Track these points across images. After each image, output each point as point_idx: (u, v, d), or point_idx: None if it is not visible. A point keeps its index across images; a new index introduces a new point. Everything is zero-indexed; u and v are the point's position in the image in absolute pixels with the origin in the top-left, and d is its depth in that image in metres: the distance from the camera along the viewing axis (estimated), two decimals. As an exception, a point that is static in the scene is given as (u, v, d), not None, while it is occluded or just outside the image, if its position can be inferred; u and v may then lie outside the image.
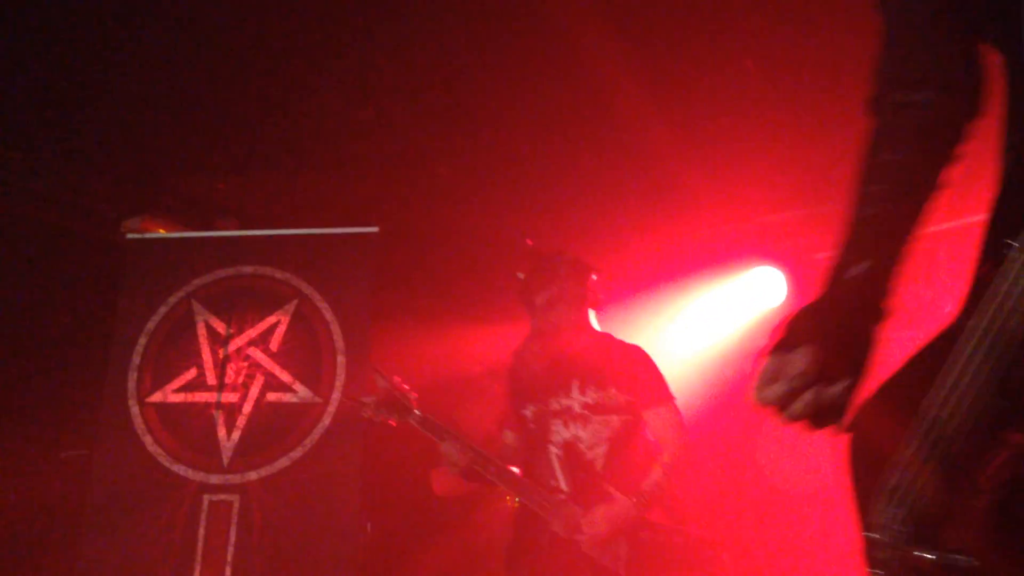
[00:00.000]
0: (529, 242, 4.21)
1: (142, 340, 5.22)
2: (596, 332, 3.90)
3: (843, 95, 4.53)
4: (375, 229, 5.24)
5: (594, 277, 3.93)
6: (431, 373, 5.12)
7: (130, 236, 5.39)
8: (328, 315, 5.26)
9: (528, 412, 3.79)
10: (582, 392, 3.73)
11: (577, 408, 3.71)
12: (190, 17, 4.14)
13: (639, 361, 3.82)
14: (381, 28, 4.27)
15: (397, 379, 3.85)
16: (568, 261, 3.92)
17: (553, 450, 3.67)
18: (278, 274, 5.38)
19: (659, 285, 5.68)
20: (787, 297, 5.58)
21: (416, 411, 3.80)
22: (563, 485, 3.61)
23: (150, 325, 5.32)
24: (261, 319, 5.39)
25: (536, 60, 4.39)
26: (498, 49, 4.37)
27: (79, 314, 5.49)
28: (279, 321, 5.38)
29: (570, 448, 3.65)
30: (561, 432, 3.68)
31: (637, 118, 4.72)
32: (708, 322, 5.74)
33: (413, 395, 3.83)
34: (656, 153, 4.95)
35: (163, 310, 5.36)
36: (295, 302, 5.37)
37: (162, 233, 5.65)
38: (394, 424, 3.87)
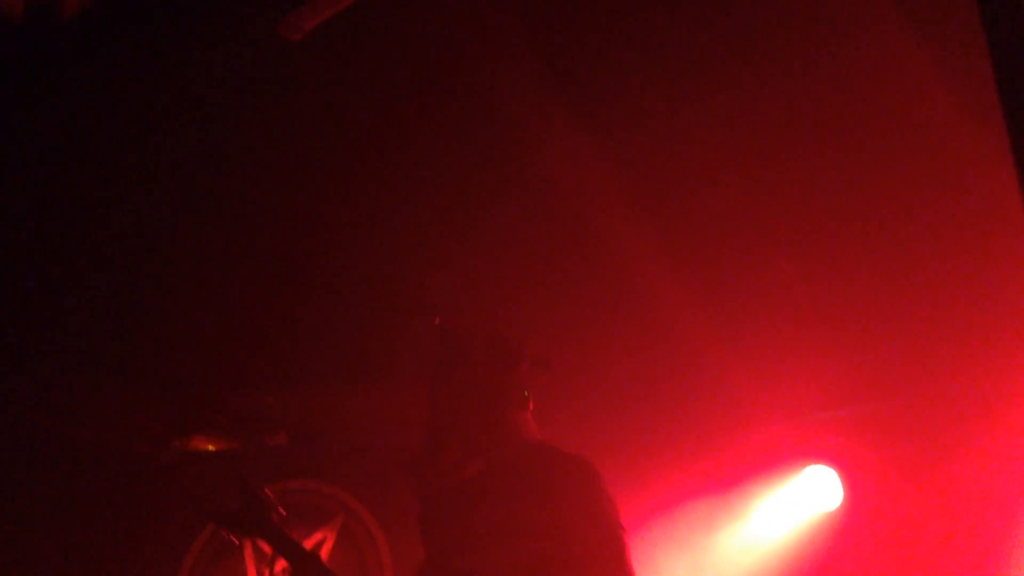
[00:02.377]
0: (437, 321, 3.30)
1: (188, 560, 5.17)
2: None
3: (891, 292, 4.55)
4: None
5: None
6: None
7: (178, 453, 5.42)
8: (375, 530, 5.19)
9: None
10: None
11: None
12: (233, 236, 4.25)
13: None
14: (434, 239, 4.32)
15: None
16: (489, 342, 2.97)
17: None
18: (324, 489, 5.35)
19: (708, 492, 5.55)
20: (843, 498, 5.43)
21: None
22: None
23: (196, 544, 5.28)
24: (308, 536, 5.33)
25: (572, 260, 4.43)
26: (545, 257, 4.41)
27: (126, 533, 5.46)
28: (325, 538, 5.31)
29: None
30: None
31: (679, 321, 4.74)
32: (762, 528, 5.57)
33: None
34: (700, 356, 4.94)
35: (210, 528, 5.33)
36: (341, 518, 5.32)
37: (210, 449, 5.68)
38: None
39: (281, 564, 5.21)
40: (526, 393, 2.93)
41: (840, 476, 5.44)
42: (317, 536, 5.33)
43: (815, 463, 5.47)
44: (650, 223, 4.13)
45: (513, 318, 4.49)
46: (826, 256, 4.39)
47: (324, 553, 5.23)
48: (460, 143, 3.59)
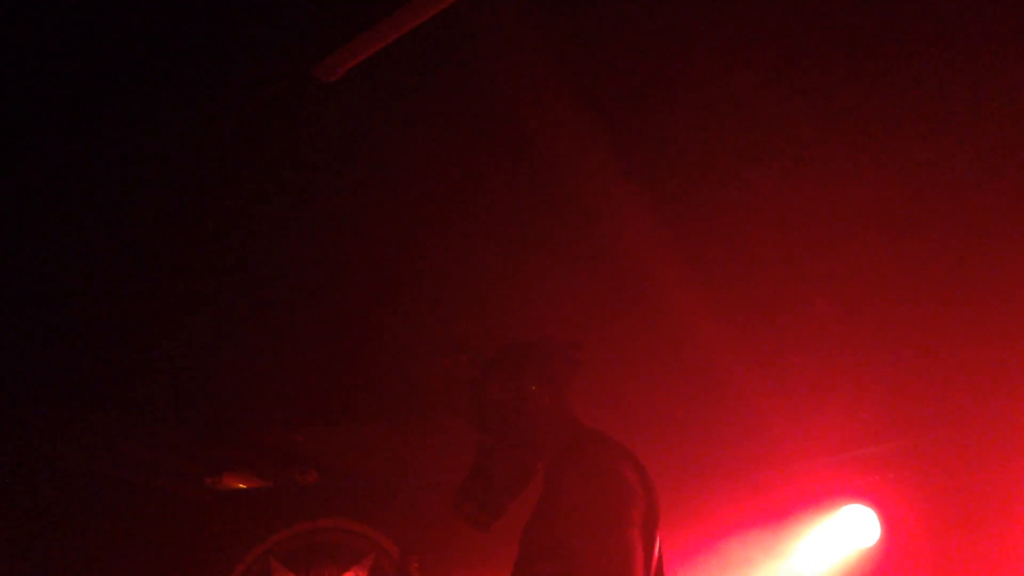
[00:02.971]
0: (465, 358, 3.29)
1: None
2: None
3: (929, 329, 4.51)
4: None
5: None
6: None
7: (210, 491, 5.43)
8: (409, 568, 5.17)
9: None
10: None
11: None
12: (267, 275, 4.26)
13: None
14: (470, 278, 4.32)
15: None
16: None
17: None
18: (355, 527, 5.33)
19: (746, 530, 5.50)
20: (880, 535, 5.37)
21: None
22: None
23: (229, 582, 5.27)
24: (339, 574, 5.31)
25: (608, 296, 4.42)
26: (588, 297, 4.39)
27: (158, 572, 5.46)
28: (357, 576, 5.29)
29: None
30: None
31: (718, 361, 4.71)
32: (800, 566, 5.51)
33: None
34: (738, 395, 4.91)
35: (240, 568, 5.32)
36: (373, 556, 5.29)
37: (243, 487, 5.67)
38: None
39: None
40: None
41: (877, 514, 5.38)
42: (348, 575, 5.31)
43: (852, 501, 5.42)
44: (690, 264, 4.12)
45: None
46: (862, 293, 4.36)
47: (356, 592, 5.21)
48: (496, 184, 3.58)
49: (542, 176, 3.57)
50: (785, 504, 5.47)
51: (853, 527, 5.45)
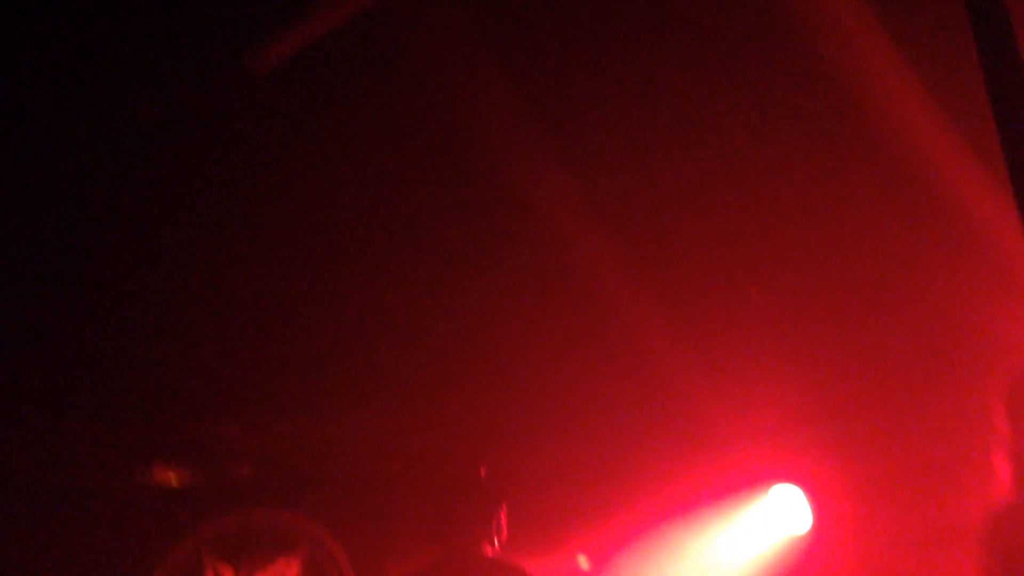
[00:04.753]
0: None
1: (150, 593, 5.07)
2: None
3: (858, 316, 4.58)
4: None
5: None
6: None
7: (139, 485, 5.33)
8: (340, 561, 5.14)
9: None
10: None
11: None
12: (193, 263, 4.20)
13: None
14: (386, 269, 4.30)
15: None
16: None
17: None
18: (288, 519, 5.29)
19: (677, 514, 5.55)
20: (810, 518, 5.46)
21: None
22: None
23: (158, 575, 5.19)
24: (271, 565, 5.26)
25: (539, 282, 4.42)
26: (505, 274, 4.40)
27: (85, 567, 5.35)
28: (289, 567, 5.25)
29: None
30: None
31: (649, 347, 4.74)
32: (729, 549, 5.58)
33: None
34: (670, 381, 4.94)
35: (171, 559, 5.24)
36: (305, 546, 5.25)
37: (172, 478, 5.58)
38: None
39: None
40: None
41: (808, 497, 5.46)
42: (280, 565, 5.26)
43: (783, 484, 5.50)
44: (622, 248, 4.13)
45: (488, 337, 4.51)
46: (796, 278, 4.42)
47: (288, 583, 5.16)
48: (430, 182, 3.56)
49: (474, 169, 3.56)
50: (715, 487, 5.53)
51: (784, 509, 5.53)
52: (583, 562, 5.30)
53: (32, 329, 4.49)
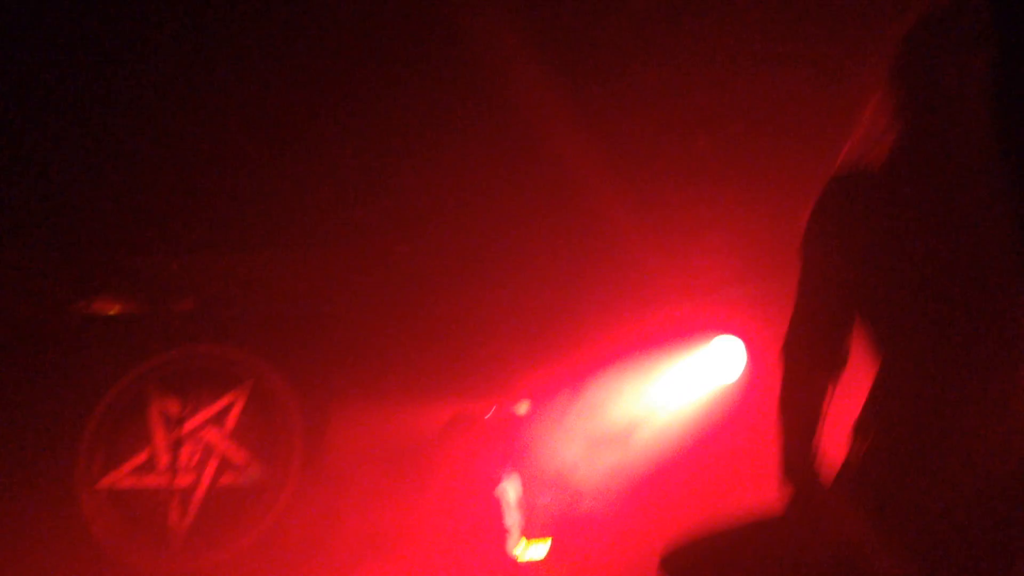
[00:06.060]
0: None
1: (91, 424, 5.11)
2: None
3: (801, 170, 4.58)
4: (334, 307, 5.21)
5: None
6: (393, 446, 5.05)
7: (80, 316, 5.31)
8: (286, 394, 5.19)
9: None
10: None
11: None
12: (142, 94, 4.11)
13: None
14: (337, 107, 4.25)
15: None
16: None
17: None
18: (233, 354, 5.31)
19: (621, 361, 5.65)
20: (745, 368, 5.61)
21: None
22: None
23: (100, 408, 5.22)
24: (217, 399, 5.31)
25: (488, 132, 4.39)
26: (452, 119, 4.36)
27: (25, 398, 5.36)
28: (234, 401, 5.29)
29: None
30: None
31: (593, 198, 4.73)
32: (671, 394, 5.73)
33: None
34: (613, 234, 4.96)
35: (114, 392, 5.27)
36: (251, 382, 5.29)
37: (114, 313, 5.57)
38: None
39: (188, 426, 5.21)
40: None
41: (745, 347, 5.60)
42: (226, 399, 5.30)
43: (721, 334, 5.62)
44: (570, 100, 4.09)
45: (432, 180, 4.49)
46: (743, 130, 4.40)
47: (233, 416, 5.22)
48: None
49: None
50: (655, 337, 5.64)
51: (721, 359, 5.67)
52: (523, 407, 5.40)
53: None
